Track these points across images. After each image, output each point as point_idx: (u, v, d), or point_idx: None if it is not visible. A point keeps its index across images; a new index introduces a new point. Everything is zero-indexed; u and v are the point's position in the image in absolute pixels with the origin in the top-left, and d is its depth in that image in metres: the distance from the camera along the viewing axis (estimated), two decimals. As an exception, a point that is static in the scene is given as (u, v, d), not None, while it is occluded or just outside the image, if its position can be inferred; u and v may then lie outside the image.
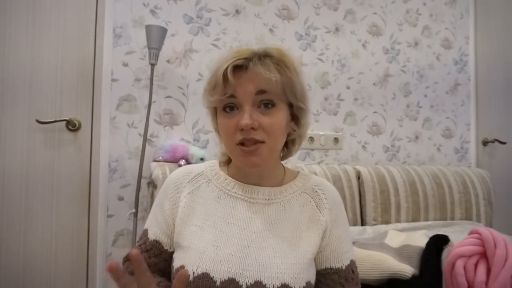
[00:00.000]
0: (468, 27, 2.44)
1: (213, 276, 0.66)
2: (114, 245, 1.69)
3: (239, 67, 0.69)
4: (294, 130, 0.76)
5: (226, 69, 0.68)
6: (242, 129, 0.69)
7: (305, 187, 0.80)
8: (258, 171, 0.76)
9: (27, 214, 1.60)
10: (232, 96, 0.70)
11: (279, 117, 0.71)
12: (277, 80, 0.69)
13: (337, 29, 2.10)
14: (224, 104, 0.71)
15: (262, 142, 0.70)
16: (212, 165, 0.83)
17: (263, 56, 0.71)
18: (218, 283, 0.66)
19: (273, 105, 0.71)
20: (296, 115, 0.76)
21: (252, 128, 0.68)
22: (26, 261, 1.59)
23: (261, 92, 0.69)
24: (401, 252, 1.24)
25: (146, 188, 1.68)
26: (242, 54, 0.71)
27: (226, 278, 0.66)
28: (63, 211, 1.65)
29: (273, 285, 0.66)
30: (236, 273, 0.67)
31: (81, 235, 1.68)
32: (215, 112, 0.77)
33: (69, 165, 1.66)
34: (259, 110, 0.70)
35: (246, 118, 0.68)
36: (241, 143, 0.70)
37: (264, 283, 0.66)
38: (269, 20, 1.96)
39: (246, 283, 0.66)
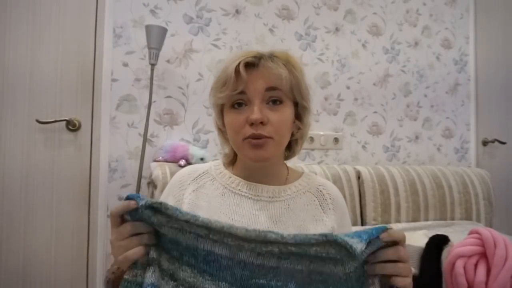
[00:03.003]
0: (468, 27, 2.44)
1: None
2: (114, 245, 1.69)
3: (251, 64, 0.72)
4: (299, 129, 0.79)
5: (238, 65, 0.71)
6: (251, 124, 0.71)
7: (309, 186, 0.81)
8: (262, 170, 0.78)
9: (27, 214, 1.60)
10: (242, 92, 0.72)
11: (286, 113, 0.75)
12: (286, 76, 0.72)
13: (337, 29, 2.10)
14: (233, 100, 0.73)
15: (270, 137, 0.72)
16: (217, 165, 0.84)
17: (271, 56, 0.75)
18: None
19: (281, 102, 0.74)
20: (299, 114, 0.79)
21: (261, 122, 0.71)
22: (26, 261, 1.59)
23: (271, 88, 0.72)
24: (401, 252, 1.24)
25: (146, 188, 1.68)
26: (251, 54, 0.74)
27: None
28: (63, 211, 1.65)
29: None
30: None
31: (81, 235, 1.67)
32: (221, 110, 0.78)
33: (69, 165, 1.65)
34: (267, 106, 0.73)
35: (256, 112, 0.70)
36: (249, 138, 0.72)
37: None
38: (269, 20, 1.96)
39: None
